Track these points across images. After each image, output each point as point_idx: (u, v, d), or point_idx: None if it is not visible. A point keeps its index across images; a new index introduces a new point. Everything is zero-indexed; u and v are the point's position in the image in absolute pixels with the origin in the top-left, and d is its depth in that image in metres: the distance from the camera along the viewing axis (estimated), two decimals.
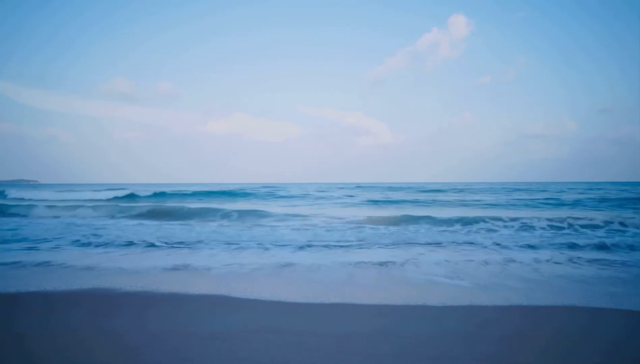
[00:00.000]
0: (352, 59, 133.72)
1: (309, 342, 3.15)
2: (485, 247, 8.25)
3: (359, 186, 50.78)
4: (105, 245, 8.24)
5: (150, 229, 10.84)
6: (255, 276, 5.62)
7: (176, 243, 8.51)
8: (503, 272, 5.94)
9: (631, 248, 8.11)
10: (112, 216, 15.03)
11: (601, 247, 8.17)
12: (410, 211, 15.70)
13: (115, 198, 26.92)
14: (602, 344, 3.22)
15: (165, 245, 8.30)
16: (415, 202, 23.86)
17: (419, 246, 8.32)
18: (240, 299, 4.43)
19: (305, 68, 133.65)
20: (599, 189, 38.50)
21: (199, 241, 8.68)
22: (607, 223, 11.29)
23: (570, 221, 11.52)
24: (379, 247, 8.26)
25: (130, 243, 8.37)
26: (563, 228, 10.79)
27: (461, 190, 37.02)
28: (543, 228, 10.82)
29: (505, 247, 8.21)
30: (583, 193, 30.42)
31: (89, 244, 8.29)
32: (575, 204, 21.30)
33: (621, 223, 11.22)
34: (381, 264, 6.46)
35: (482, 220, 12.04)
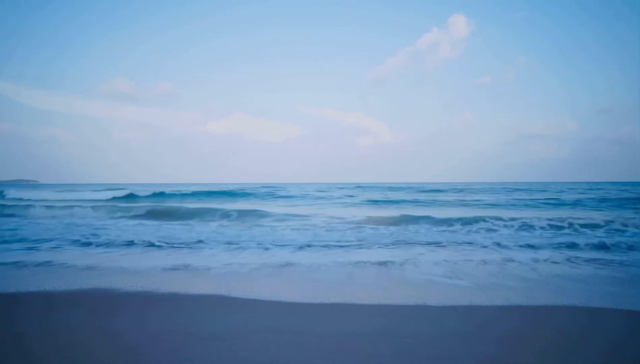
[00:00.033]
0: (352, 59, 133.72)
1: (309, 342, 3.15)
2: (485, 247, 8.25)
3: (359, 187, 50.78)
4: (105, 245, 8.25)
5: (150, 229, 10.84)
6: (255, 276, 5.62)
7: (176, 243, 8.51)
8: (503, 272, 5.94)
9: (631, 248, 8.11)
10: (112, 217, 15.03)
11: (601, 247, 8.17)
12: (410, 211, 15.70)
13: (115, 198, 26.92)
14: (602, 344, 3.22)
15: (165, 245, 8.30)
16: (415, 202, 23.87)
17: (419, 246, 8.32)
18: (240, 299, 4.43)
19: (305, 68, 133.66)
20: (599, 189, 38.51)
21: (199, 241, 8.68)
22: (607, 223, 11.28)
23: (570, 221, 11.51)
24: (379, 247, 8.26)
25: (130, 243, 8.37)
26: (563, 228, 10.79)
27: (461, 190, 37.03)
28: (543, 228, 10.82)
29: (505, 247, 8.21)
30: (583, 193, 30.43)
31: (88, 244, 8.29)
32: (575, 204, 21.31)
33: (621, 223, 11.22)
34: (381, 264, 6.46)
35: (482, 219, 12.04)
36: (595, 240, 8.73)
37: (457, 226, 11.36)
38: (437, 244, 8.61)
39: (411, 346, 3.11)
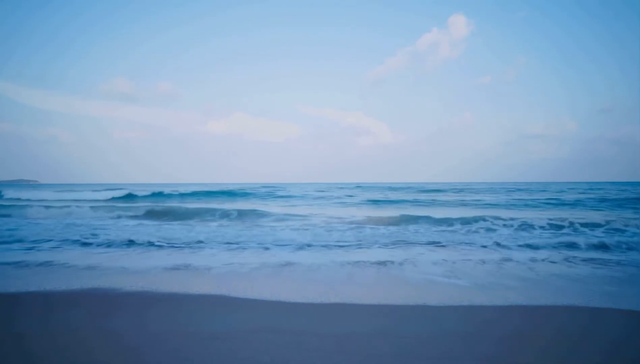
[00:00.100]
0: (352, 59, 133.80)
1: (309, 342, 3.15)
2: (485, 247, 8.25)
3: (359, 186, 50.78)
4: (104, 245, 8.24)
5: (150, 229, 10.83)
6: (255, 276, 5.62)
7: (176, 243, 8.51)
8: (503, 272, 5.94)
9: (631, 248, 8.11)
10: (112, 217, 15.02)
11: (601, 247, 8.17)
12: (410, 211, 15.70)
13: (115, 198, 26.90)
14: (602, 344, 3.23)
15: (165, 244, 8.30)
16: (415, 202, 23.87)
17: (419, 246, 8.32)
18: (240, 299, 4.43)
19: (305, 68, 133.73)
20: (599, 189, 38.52)
21: (199, 241, 8.68)
22: (607, 223, 11.28)
23: (570, 221, 11.51)
24: (379, 247, 8.26)
25: (129, 243, 8.36)
26: (563, 228, 10.79)
27: (461, 190, 37.03)
28: (543, 228, 10.82)
29: (506, 247, 8.21)
30: (583, 193, 30.44)
31: (88, 244, 8.29)
32: (575, 204, 21.32)
33: (621, 223, 11.22)
34: (381, 264, 6.46)
35: (481, 219, 12.04)
36: (595, 240, 8.73)
37: (457, 226, 11.36)
38: (437, 244, 8.61)
39: (411, 346, 3.11)
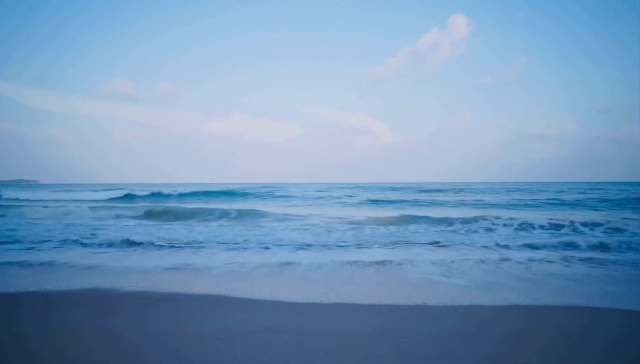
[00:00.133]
0: (352, 59, 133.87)
1: (309, 342, 3.15)
2: (485, 247, 8.25)
3: (359, 186, 50.77)
4: (104, 245, 8.24)
5: (150, 229, 10.83)
6: (255, 276, 5.62)
7: (176, 243, 8.51)
8: (503, 272, 5.94)
9: (631, 248, 8.11)
10: (111, 217, 15.02)
11: (601, 247, 8.17)
12: (410, 211, 15.70)
13: (114, 198, 26.87)
14: (602, 344, 3.23)
15: (164, 244, 8.29)
16: (415, 202, 23.87)
17: (419, 246, 8.32)
18: (240, 299, 4.43)
19: (305, 68, 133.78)
20: (599, 189, 38.50)
21: (199, 241, 8.67)
22: (607, 223, 11.28)
23: (570, 221, 11.51)
24: (379, 247, 8.26)
25: (129, 243, 8.36)
26: (563, 227, 10.79)
27: (461, 190, 37.02)
28: (543, 228, 10.82)
29: (506, 247, 8.21)
30: (583, 193, 30.43)
31: (87, 244, 8.28)
32: (575, 204, 21.32)
33: (621, 223, 11.22)
34: (381, 264, 6.46)
35: (481, 219, 12.04)
36: (595, 240, 8.73)
37: (457, 226, 11.36)
38: (437, 244, 8.62)
39: (411, 346, 3.11)
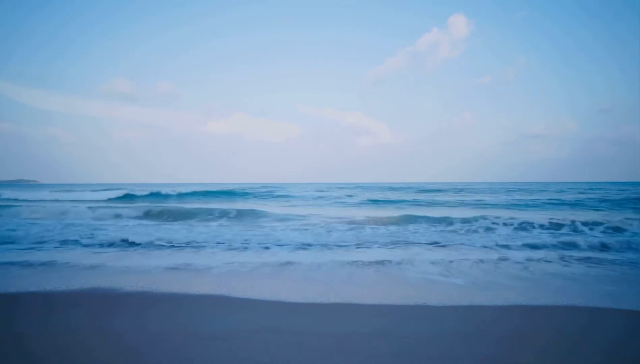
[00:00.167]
0: (352, 59, 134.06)
1: (309, 342, 3.15)
2: (485, 247, 8.25)
3: (358, 186, 50.77)
4: (103, 245, 8.24)
5: (149, 229, 10.83)
6: (255, 276, 5.62)
7: (175, 242, 8.50)
8: (502, 272, 5.94)
9: (630, 248, 8.11)
10: (111, 217, 15.01)
11: (601, 247, 8.18)
12: (410, 211, 15.69)
13: (114, 198, 26.84)
14: (602, 344, 3.23)
15: (164, 244, 8.29)
16: (415, 202, 23.86)
17: (419, 246, 8.32)
18: (240, 299, 4.43)
19: (305, 68, 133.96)
20: (599, 189, 38.50)
21: (198, 241, 8.67)
22: (607, 223, 11.28)
23: (570, 220, 11.51)
24: (379, 247, 8.26)
25: (129, 243, 8.36)
26: (563, 227, 10.79)
27: (461, 190, 37.02)
28: (543, 228, 10.82)
29: (506, 247, 8.21)
30: (583, 193, 30.43)
31: (87, 244, 8.28)
32: (575, 204, 21.31)
33: (621, 223, 11.22)
34: (381, 264, 6.46)
35: (481, 219, 12.04)
36: (595, 240, 8.73)
37: (457, 226, 11.36)
38: (437, 244, 8.62)
39: (411, 346, 3.11)
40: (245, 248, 7.98)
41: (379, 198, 26.53)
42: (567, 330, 3.53)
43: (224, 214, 15.13)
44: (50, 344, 3.09)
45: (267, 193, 32.07)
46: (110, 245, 8.24)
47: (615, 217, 13.13)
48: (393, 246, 8.37)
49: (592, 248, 8.14)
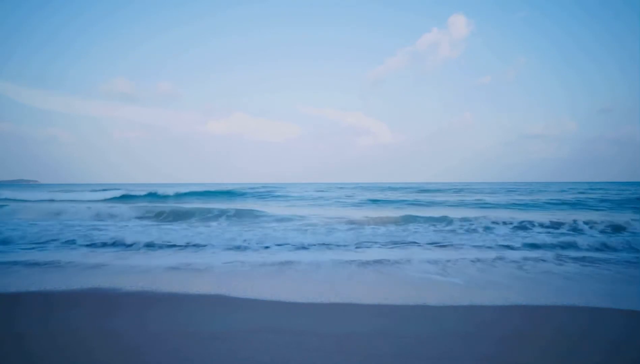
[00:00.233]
0: (352, 59, 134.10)
1: (309, 342, 3.15)
2: (486, 247, 8.25)
3: (358, 186, 50.76)
4: (103, 245, 8.24)
5: (149, 229, 10.82)
6: (255, 276, 5.62)
7: (175, 242, 8.50)
8: (502, 272, 5.94)
9: (631, 248, 8.12)
10: (110, 216, 15.01)
11: (601, 247, 8.18)
12: (410, 211, 15.68)
13: (113, 198, 26.83)
14: (602, 344, 3.23)
15: (163, 244, 8.29)
16: (415, 202, 23.85)
17: (419, 246, 8.32)
18: (240, 299, 4.43)
19: (305, 68, 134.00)
20: (599, 189, 38.50)
21: (198, 241, 8.67)
22: (607, 222, 11.28)
23: (571, 220, 11.51)
24: (379, 247, 8.26)
25: (128, 243, 8.36)
26: (563, 227, 10.79)
27: (461, 190, 37.02)
28: (543, 227, 10.81)
29: (506, 247, 8.21)
30: (583, 193, 30.43)
31: (86, 244, 8.28)
32: (575, 204, 21.31)
33: (621, 223, 11.22)
34: (381, 263, 6.46)
35: (481, 219, 12.03)
36: (595, 240, 8.74)
37: (457, 226, 11.35)
38: (437, 244, 8.62)
39: (411, 346, 3.11)
40: (245, 248, 7.98)
41: (379, 198, 26.52)
42: (567, 330, 3.53)
43: (224, 214, 15.13)
44: (50, 344, 3.09)
45: (267, 193, 32.06)
46: (110, 244, 8.24)
47: (615, 217, 13.12)
48: (393, 246, 8.37)
49: (592, 248, 8.14)
